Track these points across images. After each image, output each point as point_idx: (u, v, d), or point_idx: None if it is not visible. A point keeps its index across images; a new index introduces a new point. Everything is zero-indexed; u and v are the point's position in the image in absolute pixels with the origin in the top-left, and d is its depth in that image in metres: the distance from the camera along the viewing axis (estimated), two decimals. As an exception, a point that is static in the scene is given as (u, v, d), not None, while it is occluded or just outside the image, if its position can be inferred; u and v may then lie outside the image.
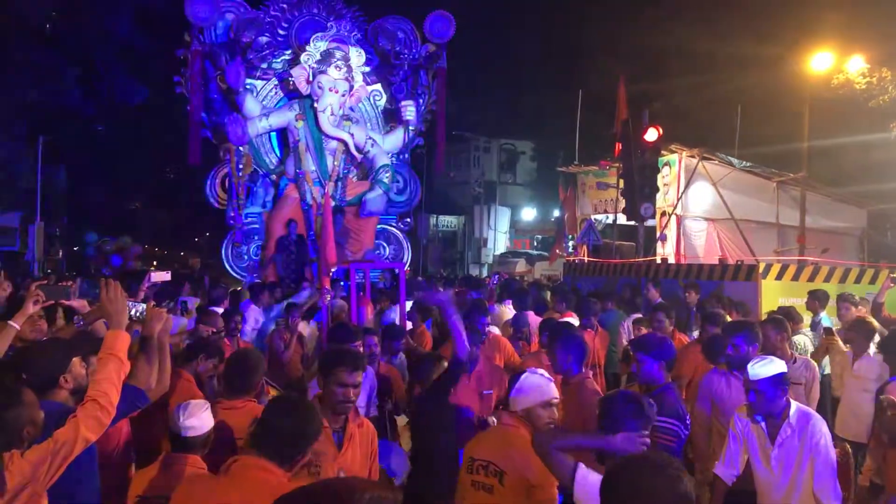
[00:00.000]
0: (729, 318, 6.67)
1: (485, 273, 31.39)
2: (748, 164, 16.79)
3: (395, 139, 14.65)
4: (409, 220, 15.20)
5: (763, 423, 3.80)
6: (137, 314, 5.41)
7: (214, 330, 5.75)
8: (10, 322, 3.69)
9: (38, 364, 3.15)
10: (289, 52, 14.12)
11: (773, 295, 9.31)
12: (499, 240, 39.53)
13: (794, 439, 3.72)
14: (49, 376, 3.14)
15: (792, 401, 3.80)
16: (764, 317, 7.16)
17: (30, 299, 3.78)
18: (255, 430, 2.81)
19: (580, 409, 4.29)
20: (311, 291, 9.46)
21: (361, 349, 5.18)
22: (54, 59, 21.47)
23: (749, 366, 3.78)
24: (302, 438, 2.77)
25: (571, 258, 17.53)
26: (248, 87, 13.54)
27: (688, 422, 3.89)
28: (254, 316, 8.39)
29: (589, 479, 2.68)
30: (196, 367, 4.72)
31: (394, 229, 14.91)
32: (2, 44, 20.04)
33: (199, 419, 3.33)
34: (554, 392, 3.66)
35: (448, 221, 42.67)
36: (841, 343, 6.29)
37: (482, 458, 3.49)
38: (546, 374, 3.78)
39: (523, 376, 3.70)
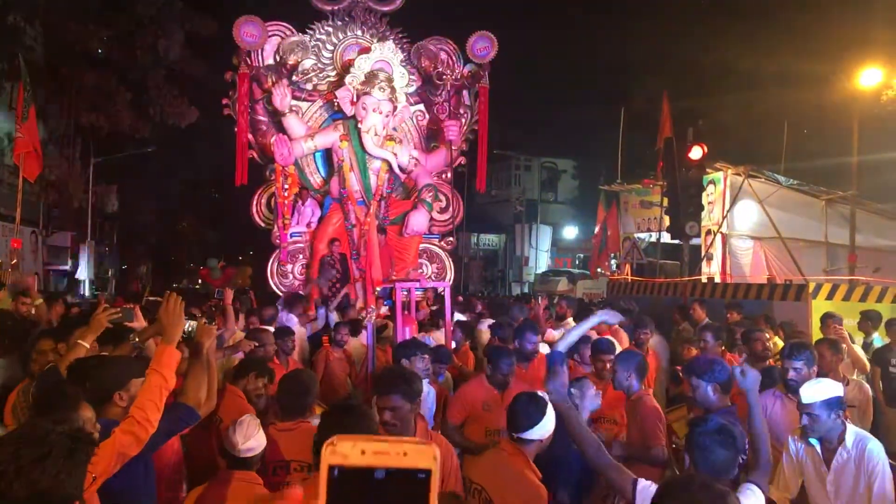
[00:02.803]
0: (779, 340, 6.56)
1: (526, 291, 31.24)
2: (795, 182, 16.55)
3: (438, 158, 14.74)
4: (451, 238, 15.23)
5: (818, 447, 3.73)
6: (188, 329, 5.53)
7: (257, 345, 5.80)
8: (80, 341, 3.82)
9: (99, 376, 3.24)
10: (334, 73, 14.36)
11: (823, 315, 9.13)
12: (540, 258, 39.35)
13: (850, 464, 3.63)
14: (106, 390, 3.22)
15: (849, 424, 3.71)
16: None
17: (97, 325, 3.91)
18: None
19: (641, 425, 4.34)
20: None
21: (426, 364, 5.17)
22: (107, 83, 22.07)
23: (802, 389, 3.71)
24: None
25: (615, 277, 17.40)
26: (293, 108, 13.78)
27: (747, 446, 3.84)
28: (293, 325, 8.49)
29: (650, 490, 2.79)
30: (245, 385, 4.78)
31: (436, 248, 14.96)
32: (56, 68, 20.71)
33: (256, 440, 3.36)
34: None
35: (489, 240, 42.69)
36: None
37: (476, 482, 3.44)
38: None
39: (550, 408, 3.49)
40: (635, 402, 4.54)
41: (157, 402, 3.04)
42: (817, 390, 3.64)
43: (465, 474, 3.58)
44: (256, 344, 5.76)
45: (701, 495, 1.99)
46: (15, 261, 14.70)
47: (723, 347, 6.79)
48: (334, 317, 9.77)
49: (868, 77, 18.15)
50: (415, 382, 3.57)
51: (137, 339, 4.29)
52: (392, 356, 5.43)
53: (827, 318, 7.25)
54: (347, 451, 0.79)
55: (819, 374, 4.35)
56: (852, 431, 3.69)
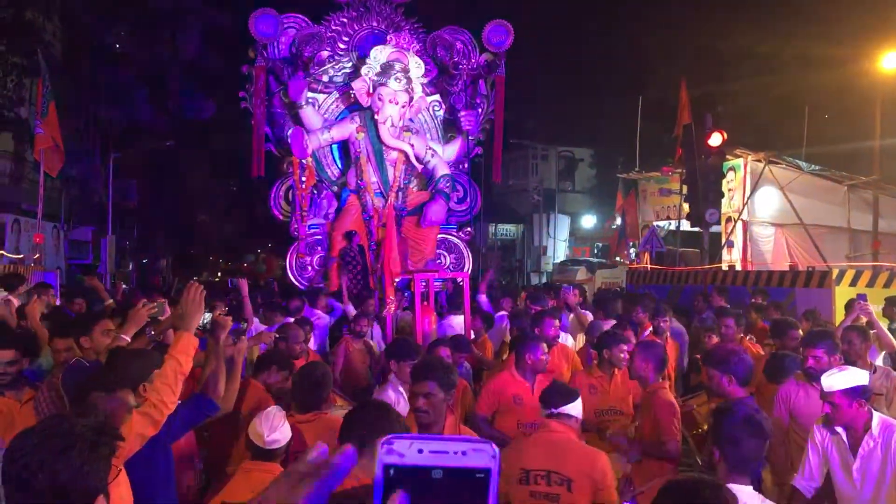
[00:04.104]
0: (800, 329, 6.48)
1: (545, 281, 31.13)
2: (817, 168, 16.36)
3: (455, 149, 14.68)
4: (469, 229, 15.19)
5: (844, 435, 3.68)
6: (203, 322, 5.55)
7: (277, 336, 5.84)
8: (122, 335, 3.90)
9: (127, 368, 3.28)
10: (349, 64, 14.32)
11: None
12: (558, 248, 39.20)
13: (876, 451, 3.59)
14: (132, 382, 3.26)
15: (875, 412, 3.66)
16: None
17: (138, 319, 4.00)
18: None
19: (655, 418, 4.31)
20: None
21: None
22: (125, 78, 22.23)
23: (823, 377, 3.66)
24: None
25: (634, 265, 17.31)
26: (309, 100, 13.77)
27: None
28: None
29: None
30: (267, 379, 4.80)
31: (454, 238, 14.92)
32: (75, 63, 20.86)
33: (281, 432, 3.38)
34: None
35: (507, 230, 42.57)
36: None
37: (540, 467, 3.45)
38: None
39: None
40: (650, 395, 4.49)
41: (173, 386, 3.13)
42: (838, 379, 3.59)
43: (516, 466, 3.54)
44: (278, 336, 5.80)
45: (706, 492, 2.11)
46: (38, 255, 14.88)
47: (742, 335, 6.75)
48: (351, 308, 9.79)
49: (890, 60, 17.86)
50: (452, 373, 3.61)
51: (154, 332, 4.33)
52: (384, 353, 5.42)
53: (851, 302, 7.19)
54: (404, 450, 0.79)
55: (847, 362, 4.29)
56: (878, 419, 3.64)
